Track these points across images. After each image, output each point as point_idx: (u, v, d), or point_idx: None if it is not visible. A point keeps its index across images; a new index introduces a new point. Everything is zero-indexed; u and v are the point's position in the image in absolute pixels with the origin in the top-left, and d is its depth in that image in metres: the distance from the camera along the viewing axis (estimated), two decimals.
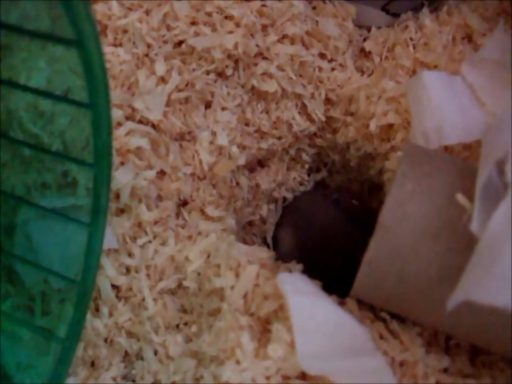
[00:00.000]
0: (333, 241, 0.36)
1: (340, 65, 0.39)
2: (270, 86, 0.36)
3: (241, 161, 0.37)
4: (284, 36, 0.36)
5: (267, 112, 0.38)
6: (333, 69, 0.38)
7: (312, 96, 0.38)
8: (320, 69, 0.38)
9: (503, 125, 0.25)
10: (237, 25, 0.35)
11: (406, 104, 0.34)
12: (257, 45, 0.35)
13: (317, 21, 0.38)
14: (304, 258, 0.34)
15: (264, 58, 0.36)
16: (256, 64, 0.36)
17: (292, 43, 0.37)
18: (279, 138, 0.39)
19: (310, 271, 0.32)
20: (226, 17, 0.35)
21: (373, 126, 0.35)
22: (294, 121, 0.38)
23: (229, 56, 0.35)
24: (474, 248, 0.22)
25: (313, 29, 0.37)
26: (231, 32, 0.34)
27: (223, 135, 0.35)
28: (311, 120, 0.39)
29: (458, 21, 0.37)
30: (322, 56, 0.38)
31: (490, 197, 0.23)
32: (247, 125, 0.37)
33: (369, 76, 0.38)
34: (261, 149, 0.38)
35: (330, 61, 0.38)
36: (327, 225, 0.37)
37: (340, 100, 0.38)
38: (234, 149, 0.36)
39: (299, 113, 0.38)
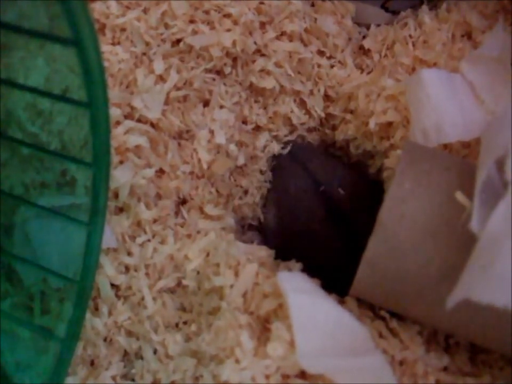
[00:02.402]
0: (313, 232, 0.35)
1: (339, 62, 0.38)
2: (268, 83, 0.36)
3: (240, 159, 0.37)
4: (282, 33, 0.36)
5: (265, 109, 0.38)
6: (332, 66, 0.38)
7: (311, 92, 0.38)
8: (319, 65, 0.37)
9: (503, 123, 0.25)
10: (235, 23, 0.34)
11: (405, 102, 0.34)
12: (255, 43, 0.35)
13: (315, 18, 0.38)
14: (286, 242, 0.35)
15: (262, 55, 0.36)
16: (254, 61, 0.36)
17: (290, 40, 0.36)
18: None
19: (292, 256, 0.32)
20: (224, 15, 0.35)
21: (372, 124, 0.35)
22: (293, 115, 0.38)
23: (227, 54, 0.35)
24: (473, 247, 0.22)
25: (311, 26, 0.37)
26: (229, 30, 0.34)
27: (221, 134, 0.35)
28: (310, 117, 0.39)
29: (457, 19, 0.36)
30: (321, 53, 0.38)
31: (489, 195, 0.23)
32: (244, 122, 0.37)
33: (368, 73, 0.38)
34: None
35: (329, 58, 0.38)
36: (309, 215, 0.36)
37: (339, 97, 0.38)
38: (233, 147, 0.36)
39: (298, 109, 0.38)
